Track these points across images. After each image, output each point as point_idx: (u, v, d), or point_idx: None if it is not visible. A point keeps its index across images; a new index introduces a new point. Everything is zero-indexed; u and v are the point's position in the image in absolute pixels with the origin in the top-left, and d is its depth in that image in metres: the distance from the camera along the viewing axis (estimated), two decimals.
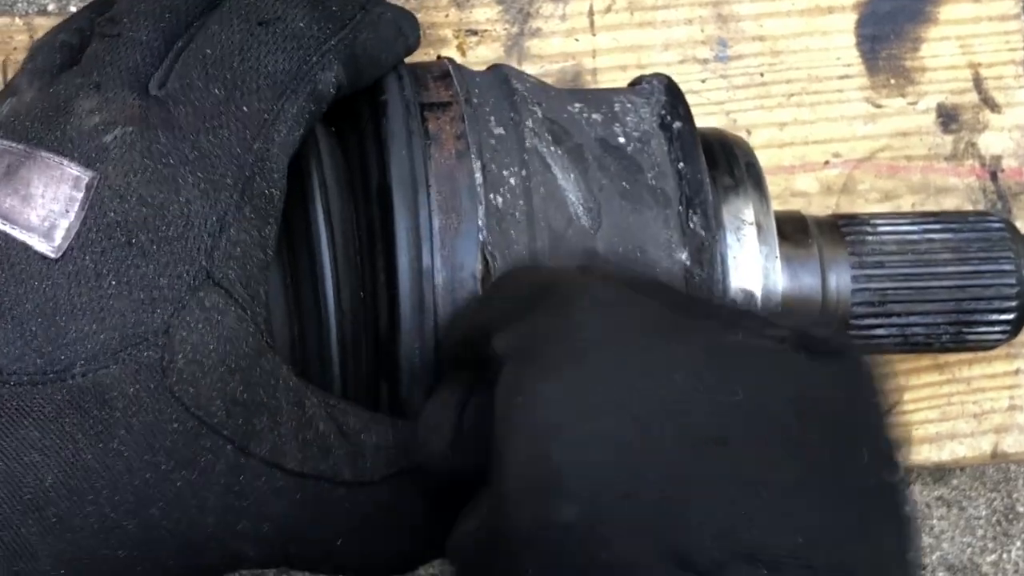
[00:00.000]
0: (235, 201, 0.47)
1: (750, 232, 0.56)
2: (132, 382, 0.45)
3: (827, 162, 0.68)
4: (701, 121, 0.64)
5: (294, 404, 0.48)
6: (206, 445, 0.46)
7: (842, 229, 0.59)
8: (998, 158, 0.69)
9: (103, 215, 0.45)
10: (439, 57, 0.57)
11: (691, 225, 0.54)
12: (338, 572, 0.51)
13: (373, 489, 0.49)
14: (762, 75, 0.68)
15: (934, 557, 0.73)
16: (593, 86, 0.66)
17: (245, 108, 0.47)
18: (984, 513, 0.74)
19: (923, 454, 0.69)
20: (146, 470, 0.45)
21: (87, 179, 0.46)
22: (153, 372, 0.45)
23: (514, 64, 0.65)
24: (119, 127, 0.47)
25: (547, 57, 0.67)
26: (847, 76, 0.68)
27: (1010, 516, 0.74)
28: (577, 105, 0.56)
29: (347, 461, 0.49)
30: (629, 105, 0.57)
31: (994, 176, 0.69)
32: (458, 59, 0.64)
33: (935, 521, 0.73)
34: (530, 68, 0.66)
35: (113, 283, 0.45)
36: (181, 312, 0.45)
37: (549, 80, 0.65)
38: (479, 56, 0.66)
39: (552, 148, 0.54)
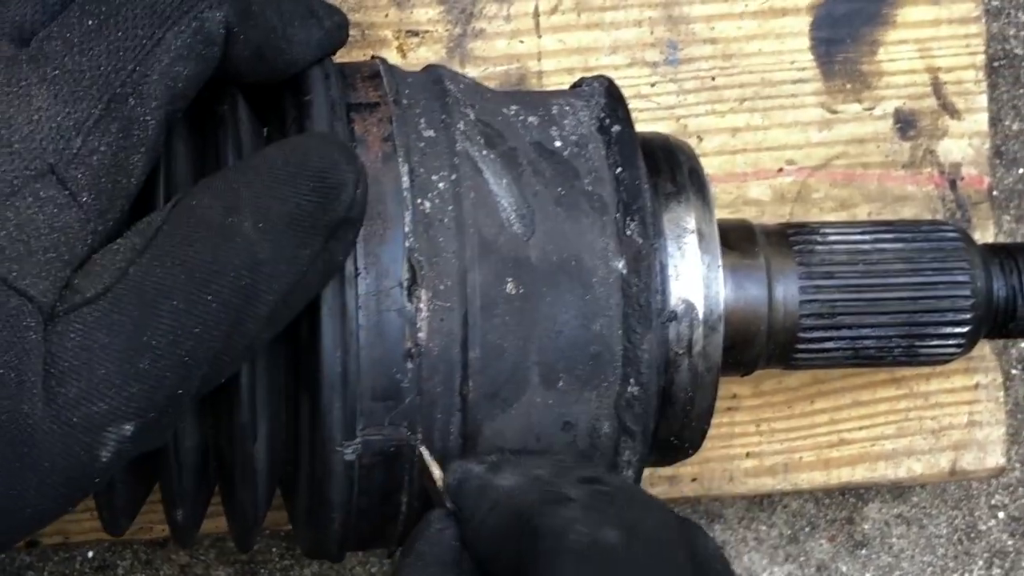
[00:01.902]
0: (98, 113, 0.47)
1: (691, 240, 0.54)
2: None
3: (781, 169, 0.67)
4: (650, 126, 0.62)
5: None
6: (30, 324, 0.44)
7: (790, 238, 0.58)
8: (957, 166, 0.67)
9: None
10: (373, 57, 0.56)
11: (628, 233, 0.52)
12: None
13: None
14: (714, 79, 0.66)
15: None
16: (538, 89, 0.65)
17: (120, 34, 0.48)
18: (945, 531, 0.73)
19: (879, 471, 0.67)
20: None
21: None
22: None
23: (456, 67, 0.64)
24: None
25: (491, 59, 0.65)
26: (801, 80, 0.67)
27: (972, 535, 0.73)
28: (513, 107, 0.55)
29: None
30: (568, 108, 0.55)
31: (953, 184, 0.67)
32: (398, 61, 0.62)
33: (895, 539, 0.72)
34: (473, 71, 0.64)
35: None
36: (11, 198, 0.45)
37: (493, 83, 0.64)
38: (420, 58, 0.64)
39: (484, 152, 0.52)
